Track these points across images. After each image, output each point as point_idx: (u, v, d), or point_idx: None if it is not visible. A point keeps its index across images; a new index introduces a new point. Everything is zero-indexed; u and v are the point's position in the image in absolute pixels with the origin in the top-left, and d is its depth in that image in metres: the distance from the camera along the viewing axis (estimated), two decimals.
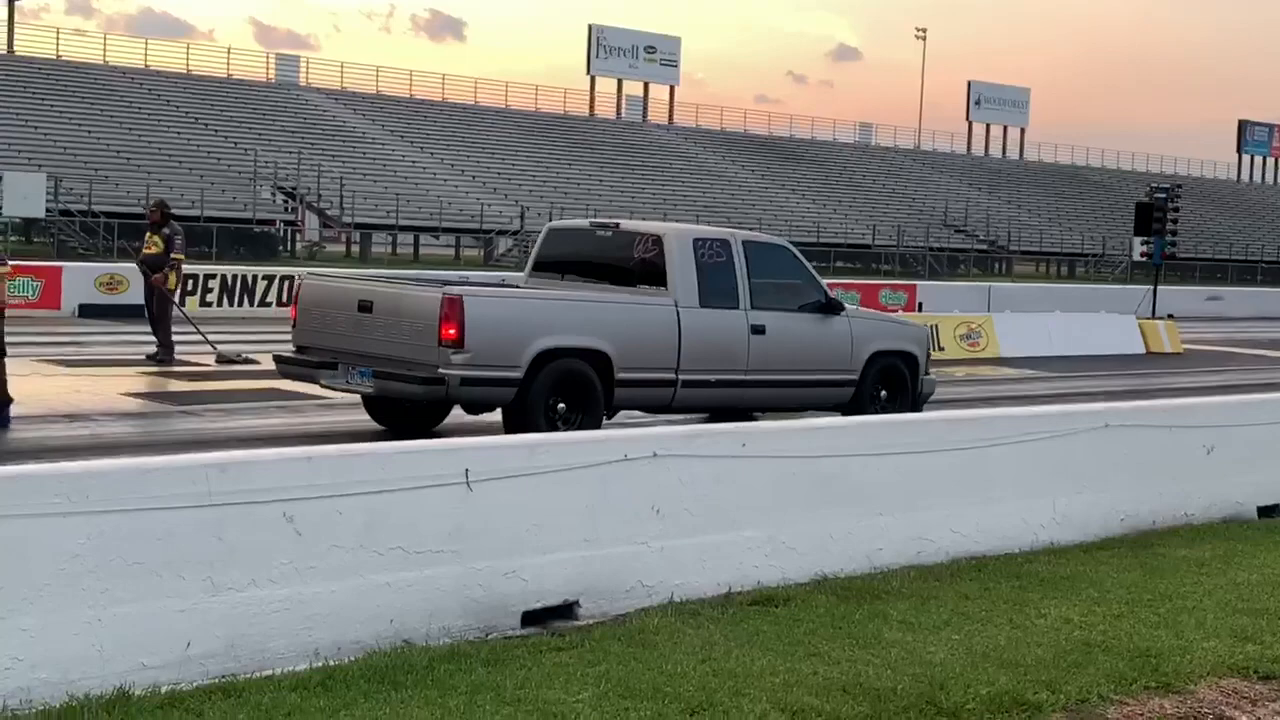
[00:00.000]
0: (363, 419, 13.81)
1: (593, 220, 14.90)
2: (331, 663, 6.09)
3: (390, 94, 72.20)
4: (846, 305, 14.74)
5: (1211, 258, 79.76)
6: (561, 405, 12.26)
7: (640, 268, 13.35)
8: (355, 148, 63.02)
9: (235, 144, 57.22)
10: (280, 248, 52.26)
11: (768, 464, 8.07)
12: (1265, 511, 10.98)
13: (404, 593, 6.59)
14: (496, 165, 66.38)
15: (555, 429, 11.74)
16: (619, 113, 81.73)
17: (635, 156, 73.81)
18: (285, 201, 55.54)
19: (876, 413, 13.61)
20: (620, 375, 12.55)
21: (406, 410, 13.21)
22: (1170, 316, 32.35)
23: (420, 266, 48.65)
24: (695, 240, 13.49)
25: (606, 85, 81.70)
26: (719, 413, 13.72)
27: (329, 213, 56.04)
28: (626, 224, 14.36)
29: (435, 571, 6.71)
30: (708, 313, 13.20)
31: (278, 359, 13.41)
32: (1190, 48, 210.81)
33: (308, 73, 71.32)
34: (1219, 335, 34.37)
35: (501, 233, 58.95)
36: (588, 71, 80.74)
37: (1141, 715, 6.29)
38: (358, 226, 56.04)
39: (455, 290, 12.07)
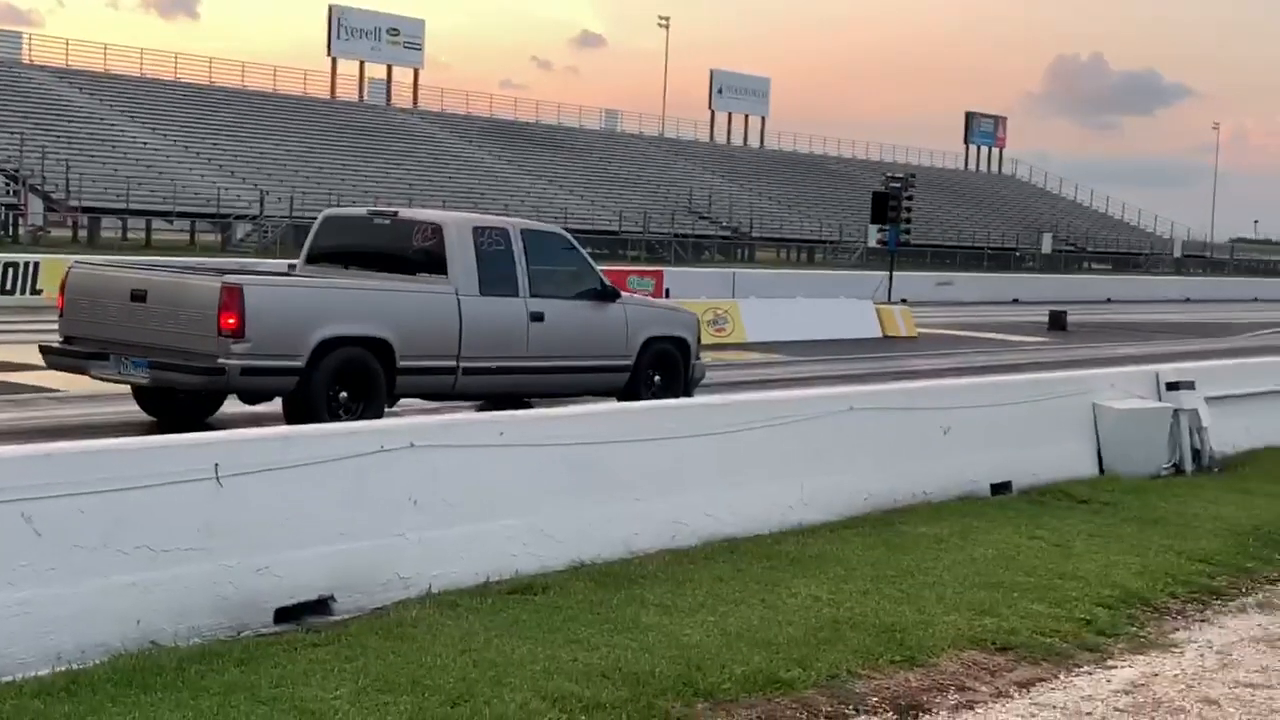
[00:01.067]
0: (100, 411, 13.32)
1: (370, 209, 14.81)
2: (76, 667, 5.85)
3: (119, 73, 69.65)
4: (622, 292, 15.00)
5: (941, 244, 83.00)
6: (344, 394, 12.20)
7: (420, 256, 13.39)
8: (82, 128, 60.57)
9: None
10: (1, 233, 49.87)
11: (526, 452, 8.06)
12: (998, 489, 11.43)
13: (151, 592, 6.36)
14: (233, 148, 64.64)
15: (338, 418, 11.70)
16: (361, 96, 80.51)
17: (379, 140, 72.81)
18: (7, 184, 53.03)
19: (651, 397, 13.96)
20: (402, 363, 12.55)
21: (178, 401, 12.93)
22: (904, 301, 33.56)
23: (153, 252, 47.04)
24: (475, 228, 13.58)
25: (348, 67, 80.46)
26: (498, 399, 13.78)
27: (54, 196, 53.73)
28: (405, 212, 14.37)
29: (184, 570, 6.49)
30: (488, 300, 13.29)
31: (44, 349, 12.96)
32: (921, 41, 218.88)
33: (30, 50, 68.29)
34: (950, 319, 35.76)
35: (239, 217, 57.49)
36: (329, 53, 79.33)
37: (888, 689, 6.50)
38: (85, 210, 53.89)
39: (235, 279, 11.89)
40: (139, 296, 12.06)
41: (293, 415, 11.93)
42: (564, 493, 8.25)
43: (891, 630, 7.16)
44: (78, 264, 13.36)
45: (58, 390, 14.82)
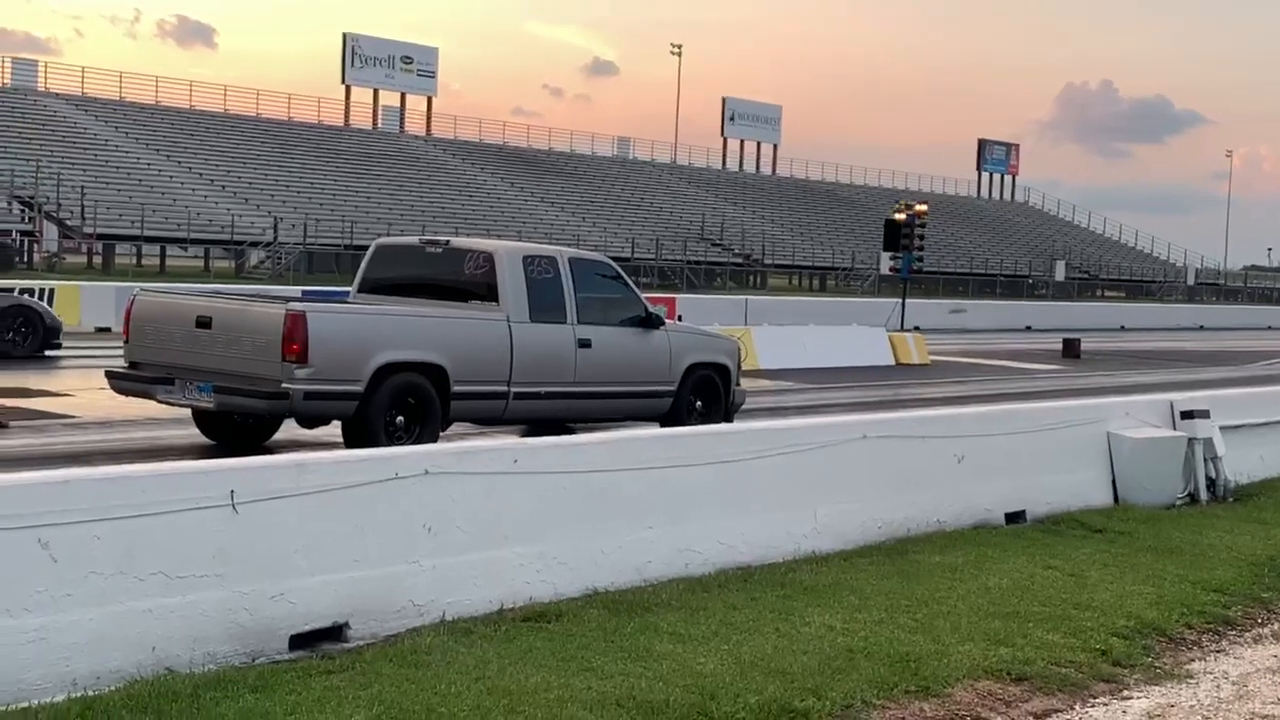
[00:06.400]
0: (117, 438, 13.38)
1: (422, 238, 15.08)
2: (91, 693, 5.85)
3: (135, 101, 69.98)
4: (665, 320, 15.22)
5: (953, 271, 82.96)
6: (400, 418, 12.46)
7: (471, 284, 13.66)
8: (97, 155, 60.86)
9: None
10: (17, 259, 50.10)
11: (539, 479, 8.06)
12: (1012, 518, 11.40)
13: (166, 619, 6.37)
14: (248, 175, 64.90)
15: (395, 442, 11.94)
16: (375, 123, 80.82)
17: (392, 167, 73.07)
18: (22, 211, 53.25)
19: (693, 423, 14.22)
20: (456, 388, 12.82)
21: (238, 425, 13.24)
22: (917, 328, 33.51)
23: (168, 279, 47.24)
24: (525, 257, 13.85)
25: (362, 95, 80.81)
26: (545, 424, 13.99)
27: (69, 223, 53.96)
28: (457, 241, 14.59)
29: (199, 596, 6.50)
30: (537, 327, 13.55)
31: (110, 374, 13.18)
32: (934, 70, 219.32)
33: (46, 77, 68.71)
34: (962, 347, 35.70)
35: (253, 244, 57.66)
36: (343, 81, 79.72)
37: (903, 719, 6.48)
38: (100, 237, 54.10)
39: (299, 306, 12.24)
40: (204, 323, 12.38)
41: (351, 439, 12.23)
42: (577, 520, 8.24)
43: (906, 660, 7.13)
44: (142, 291, 13.61)
45: (74, 416, 14.87)
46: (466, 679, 6.30)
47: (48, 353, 21.09)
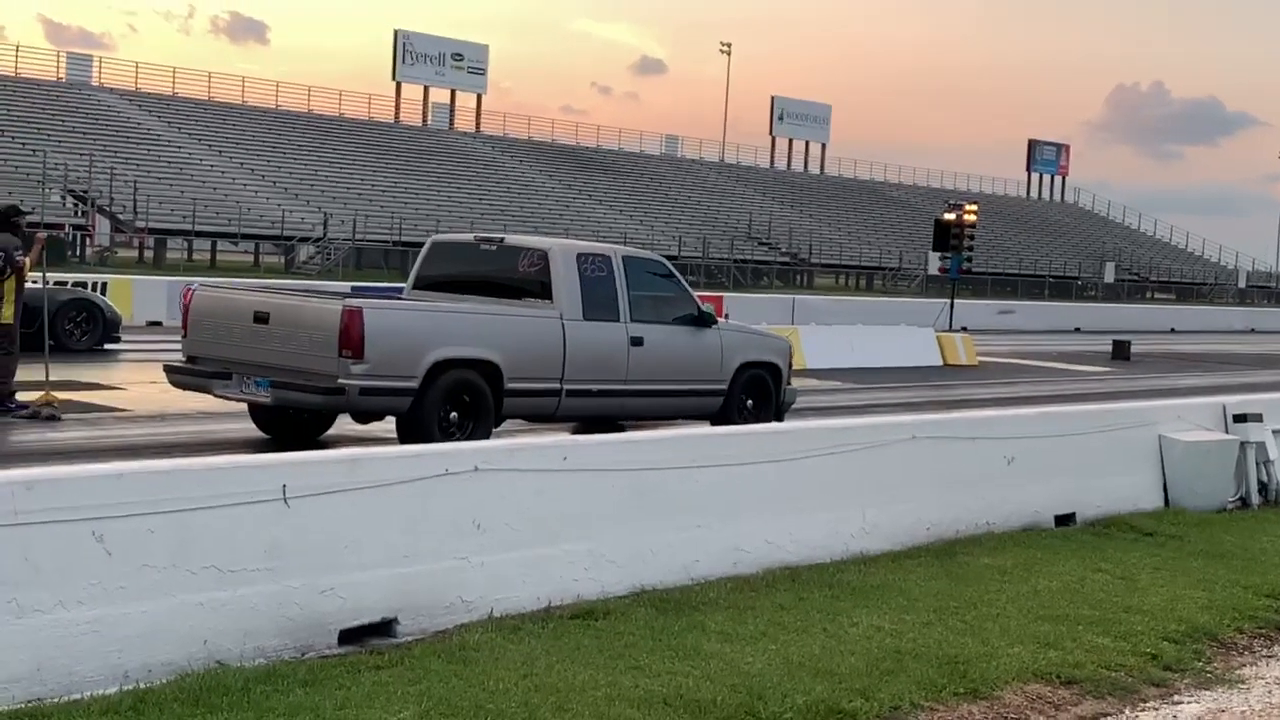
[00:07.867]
0: (168, 431, 13.48)
1: (477, 235, 15.19)
2: (142, 685, 5.90)
3: (187, 96, 70.49)
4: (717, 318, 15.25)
5: (1002, 272, 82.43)
6: (454, 414, 12.55)
7: (525, 281, 13.74)
8: (150, 150, 61.34)
9: (23, 145, 55.23)
10: (70, 253, 50.56)
11: (588, 477, 8.08)
12: (1062, 520, 11.33)
13: (218, 612, 6.41)
14: (298, 171, 65.25)
15: (449, 438, 12.05)
16: (425, 120, 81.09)
17: (442, 164, 73.33)
18: (75, 205, 53.76)
19: (744, 422, 14.27)
20: (509, 385, 12.90)
21: (293, 419, 13.34)
22: (965, 329, 33.31)
23: (218, 274, 47.61)
24: (579, 255, 13.91)
25: (413, 92, 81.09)
26: (597, 422, 14.09)
27: (121, 217, 54.45)
28: (511, 239, 14.72)
29: (250, 590, 6.54)
30: (590, 325, 13.60)
31: (168, 368, 13.30)
32: (984, 69, 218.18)
33: (100, 72, 69.28)
34: (1011, 348, 35.45)
35: (304, 240, 58.00)
36: (394, 77, 80.00)
37: None
38: (151, 231, 54.52)
39: (355, 302, 12.33)
40: (262, 318, 12.46)
41: (406, 435, 12.30)
42: (626, 518, 8.25)
43: (954, 662, 7.11)
44: (201, 286, 13.71)
45: (126, 410, 15.00)
46: (514, 676, 6.32)
47: (107, 346, 21.26)
